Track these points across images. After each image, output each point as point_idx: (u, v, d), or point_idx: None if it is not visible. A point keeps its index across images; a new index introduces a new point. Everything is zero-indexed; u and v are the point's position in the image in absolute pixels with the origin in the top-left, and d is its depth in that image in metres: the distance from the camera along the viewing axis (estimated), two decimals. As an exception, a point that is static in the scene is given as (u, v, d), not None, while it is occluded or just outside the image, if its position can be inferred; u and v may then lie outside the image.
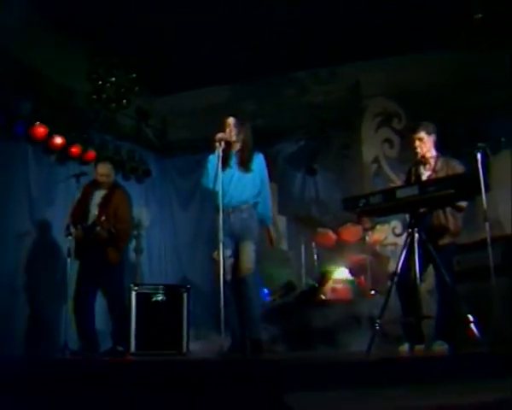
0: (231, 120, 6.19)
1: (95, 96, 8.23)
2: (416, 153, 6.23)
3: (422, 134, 6.22)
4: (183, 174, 10.76)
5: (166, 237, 10.51)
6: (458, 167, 6.08)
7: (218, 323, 8.97)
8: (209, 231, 10.29)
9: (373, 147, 9.45)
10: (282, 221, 9.81)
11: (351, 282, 8.17)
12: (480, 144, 5.81)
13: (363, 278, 8.28)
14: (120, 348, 6.86)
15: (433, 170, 6.17)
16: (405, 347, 5.98)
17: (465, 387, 4.34)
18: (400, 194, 5.66)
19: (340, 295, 8.10)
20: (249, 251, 6.02)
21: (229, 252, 5.95)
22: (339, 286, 8.16)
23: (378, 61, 9.54)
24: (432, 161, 6.22)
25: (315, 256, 8.71)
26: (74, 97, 8.85)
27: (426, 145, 6.22)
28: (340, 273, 8.29)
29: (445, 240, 6.02)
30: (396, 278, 5.72)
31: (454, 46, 7.80)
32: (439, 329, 5.98)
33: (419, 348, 5.91)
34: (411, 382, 4.32)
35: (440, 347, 5.85)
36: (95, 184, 7.44)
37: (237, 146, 6.19)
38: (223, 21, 8.66)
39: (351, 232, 8.57)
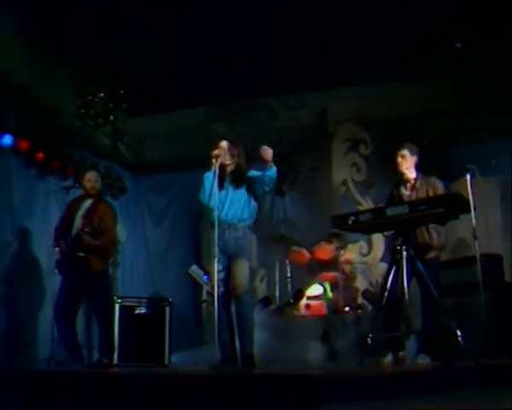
0: (224, 144, 6.00)
1: (83, 111, 7.86)
2: (403, 172, 6.09)
3: (405, 152, 6.14)
4: (156, 192, 10.44)
5: (139, 253, 10.11)
6: (438, 184, 6.00)
7: (191, 336, 8.84)
8: (181, 248, 10.15)
9: (342, 170, 9.32)
10: (252, 239, 9.54)
11: (325, 298, 7.93)
12: (468, 166, 5.71)
13: (336, 294, 8.04)
14: (106, 361, 6.46)
15: (413, 188, 6.07)
16: (389, 357, 5.82)
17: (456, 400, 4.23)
18: (390, 212, 5.55)
19: (315, 311, 7.86)
20: (243, 268, 5.83)
21: (220, 266, 5.69)
22: (312, 303, 7.93)
23: (345, 90, 9.45)
24: (412, 181, 6.09)
25: (288, 274, 8.43)
26: (56, 113, 8.45)
27: (407, 163, 6.14)
28: (314, 290, 8.06)
29: (430, 254, 5.91)
30: (386, 293, 5.54)
31: (432, 74, 7.65)
32: (422, 342, 5.84)
33: (402, 354, 5.76)
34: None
35: (423, 360, 5.72)
36: (81, 198, 7.09)
37: (230, 167, 5.98)
38: (197, 46, 8.43)
39: (324, 251, 8.36)
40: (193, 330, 9.06)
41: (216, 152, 5.83)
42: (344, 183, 9.22)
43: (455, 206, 5.37)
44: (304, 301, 7.94)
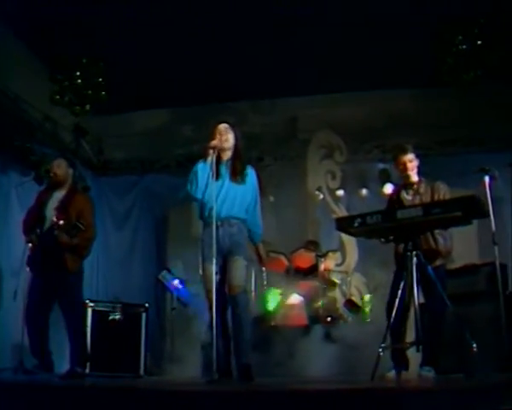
0: (223, 126, 5.28)
1: (58, 97, 7.08)
2: (407, 175, 5.54)
3: (412, 156, 5.59)
4: (119, 194, 9.70)
5: (99, 256, 9.24)
6: (443, 187, 5.49)
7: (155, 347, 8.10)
8: (144, 253, 9.41)
9: (317, 177, 8.86)
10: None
11: (306, 308, 7.34)
12: (487, 168, 5.22)
13: (317, 304, 7.45)
14: (79, 370, 5.62)
15: (417, 193, 5.54)
16: (392, 373, 5.29)
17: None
18: (402, 215, 4.97)
19: (293, 321, 7.29)
20: (240, 267, 5.10)
21: (216, 268, 4.96)
22: (291, 312, 7.33)
23: (316, 98, 9.01)
24: (415, 185, 5.57)
25: (265, 281, 7.80)
26: (18, 106, 7.64)
27: (414, 168, 5.58)
28: (292, 300, 7.46)
29: (437, 262, 5.38)
30: (397, 302, 4.98)
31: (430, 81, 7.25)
32: (426, 354, 5.29)
33: (405, 373, 5.31)
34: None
35: (428, 373, 5.20)
36: (51, 188, 6.19)
37: (228, 154, 5.28)
38: (165, 45, 7.90)
39: (304, 259, 7.81)
40: (157, 341, 8.29)
41: (214, 142, 5.13)
42: (319, 190, 8.71)
43: (473, 210, 4.84)
44: (282, 311, 7.33)
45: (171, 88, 8.64)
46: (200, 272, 5.21)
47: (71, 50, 7.50)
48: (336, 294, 7.88)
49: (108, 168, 9.68)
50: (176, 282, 7.79)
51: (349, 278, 8.01)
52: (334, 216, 8.49)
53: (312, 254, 7.73)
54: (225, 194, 5.17)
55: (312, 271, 7.69)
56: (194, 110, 9.44)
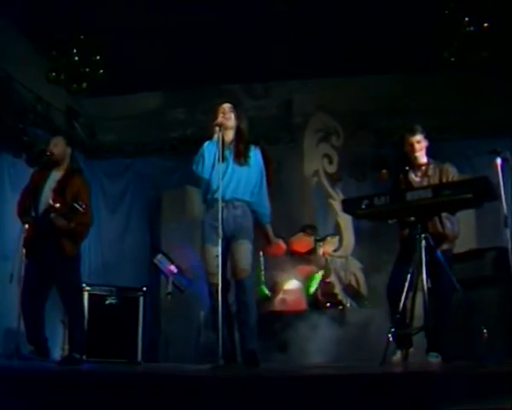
0: (226, 106, 5.14)
1: (54, 74, 6.83)
2: (415, 157, 5.37)
3: (421, 137, 5.39)
4: (111, 177, 9.49)
5: (91, 240, 8.97)
6: (452, 170, 5.31)
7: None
8: (137, 236, 9.20)
9: (314, 161, 8.66)
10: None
11: (305, 293, 7.18)
12: (498, 149, 5.04)
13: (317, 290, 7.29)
14: (77, 356, 5.40)
15: (426, 175, 5.34)
16: (398, 355, 5.09)
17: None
18: (411, 196, 4.80)
19: (291, 306, 7.12)
20: (245, 251, 4.96)
21: (218, 250, 4.75)
22: (289, 297, 7.16)
23: (312, 81, 8.86)
24: (424, 167, 5.38)
25: (262, 266, 7.59)
26: (10, 85, 7.40)
27: (423, 149, 5.40)
28: (291, 284, 7.29)
29: (444, 246, 5.19)
30: (406, 286, 4.80)
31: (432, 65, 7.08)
32: (433, 339, 5.10)
33: (410, 351, 5.10)
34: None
35: (435, 359, 4.99)
36: (47, 168, 5.84)
37: (230, 135, 5.12)
38: (156, 26, 7.71)
39: (302, 243, 7.62)
40: (152, 326, 8.07)
41: (220, 121, 4.98)
42: (315, 174, 8.52)
43: (483, 192, 4.67)
44: (280, 296, 7.16)
45: (164, 71, 8.48)
46: (200, 255, 5.02)
47: (63, 31, 7.27)
48: (334, 279, 7.71)
49: (101, 151, 9.47)
50: (172, 267, 7.55)
51: (347, 263, 7.83)
52: (331, 201, 8.36)
53: (311, 239, 7.55)
54: (230, 176, 5.01)
55: (310, 255, 7.53)
56: (187, 93, 9.33)
